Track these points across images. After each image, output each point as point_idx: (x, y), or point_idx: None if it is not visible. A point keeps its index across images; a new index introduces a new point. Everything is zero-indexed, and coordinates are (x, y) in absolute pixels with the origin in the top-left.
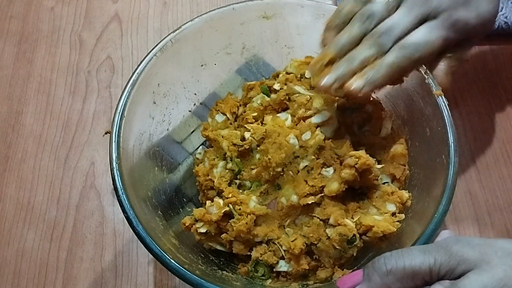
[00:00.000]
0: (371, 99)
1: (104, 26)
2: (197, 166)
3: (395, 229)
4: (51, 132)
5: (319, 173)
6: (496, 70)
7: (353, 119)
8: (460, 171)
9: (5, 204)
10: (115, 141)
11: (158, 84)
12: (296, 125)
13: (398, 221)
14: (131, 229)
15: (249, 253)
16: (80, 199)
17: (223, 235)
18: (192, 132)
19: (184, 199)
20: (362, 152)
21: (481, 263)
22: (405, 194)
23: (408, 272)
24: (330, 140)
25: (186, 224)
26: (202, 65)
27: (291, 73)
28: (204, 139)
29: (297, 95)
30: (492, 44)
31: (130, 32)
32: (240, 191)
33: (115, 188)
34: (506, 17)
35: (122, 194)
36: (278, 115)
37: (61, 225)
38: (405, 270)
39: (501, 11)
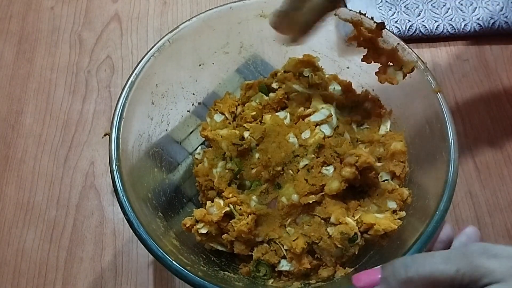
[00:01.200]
0: (370, 96)
1: (104, 25)
2: (197, 166)
3: (396, 227)
4: (51, 132)
5: (319, 172)
6: (496, 70)
7: (352, 117)
8: (460, 171)
9: (5, 204)
10: (114, 143)
11: (157, 84)
12: (295, 123)
13: (399, 219)
14: (131, 229)
15: (250, 253)
16: (80, 199)
17: (224, 236)
18: (191, 132)
19: (184, 199)
20: (362, 150)
21: (507, 277)
22: (406, 191)
23: (429, 280)
24: (330, 138)
25: (187, 225)
26: (200, 65)
27: (289, 71)
28: (204, 139)
29: (295, 93)
30: (492, 44)
31: (130, 32)
32: (240, 191)
33: (115, 190)
34: (506, 17)
35: (123, 196)
36: (277, 114)
37: (61, 225)
38: (426, 279)
39: (501, 11)
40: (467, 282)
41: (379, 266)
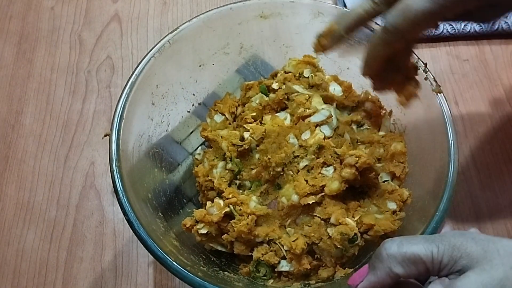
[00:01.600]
0: (370, 97)
1: (104, 25)
2: (197, 166)
3: (396, 227)
4: (51, 132)
5: (319, 173)
6: (496, 70)
7: (352, 117)
8: (460, 171)
9: (5, 204)
10: (114, 143)
11: (157, 85)
12: (295, 124)
13: (399, 219)
14: (131, 230)
15: (250, 254)
16: (80, 199)
17: (224, 236)
18: (191, 133)
19: (184, 200)
20: (362, 151)
21: (482, 261)
22: (405, 192)
23: (409, 256)
24: (330, 139)
25: (187, 225)
26: (200, 66)
27: (290, 72)
28: (204, 139)
29: (295, 94)
30: (492, 44)
31: (130, 32)
32: (240, 191)
33: (116, 191)
34: (506, 17)
35: (123, 196)
36: (277, 114)
37: (61, 225)
38: (406, 254)
39: None
40: (446, 262)
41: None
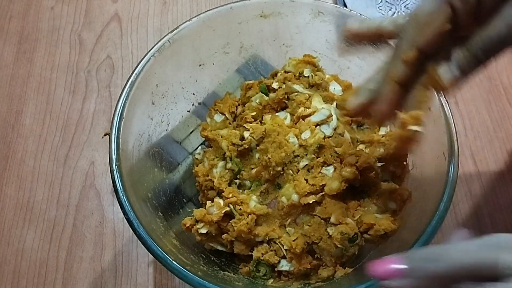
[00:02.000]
0: None
1: (104, 25)
2: (197, 166)
3: (396, 227)
4: (51, 132)
5: (319, 172)
6: (496, 70)
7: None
8: (460, 171)
9: (5, 204)
10: (114, 143)
11: (157, 84)
12: (296, 124)
13: (399, 219)
14: (131, 229)
15: (250, 253)
16: (80, 199)
17: (224, 235)
18: (191, 132)
19: (184, 199)
20: (362, 151)
21: None
22: (406, 191)
23: (458, 273)
24: (330, 138)
25: (187, 225)
26: (200, 65)
27: (290, 71)
28: (204, 139)
29: (296, 93)
30: None
31: (130, 32)
32: (240, 191)
33: (116, 190)
34: None
35: (123, 196)
36: (277, 114)
37: (60, 224)
38: (456, 271)
39: None
40: (496, 274)
41: (396, 255)
